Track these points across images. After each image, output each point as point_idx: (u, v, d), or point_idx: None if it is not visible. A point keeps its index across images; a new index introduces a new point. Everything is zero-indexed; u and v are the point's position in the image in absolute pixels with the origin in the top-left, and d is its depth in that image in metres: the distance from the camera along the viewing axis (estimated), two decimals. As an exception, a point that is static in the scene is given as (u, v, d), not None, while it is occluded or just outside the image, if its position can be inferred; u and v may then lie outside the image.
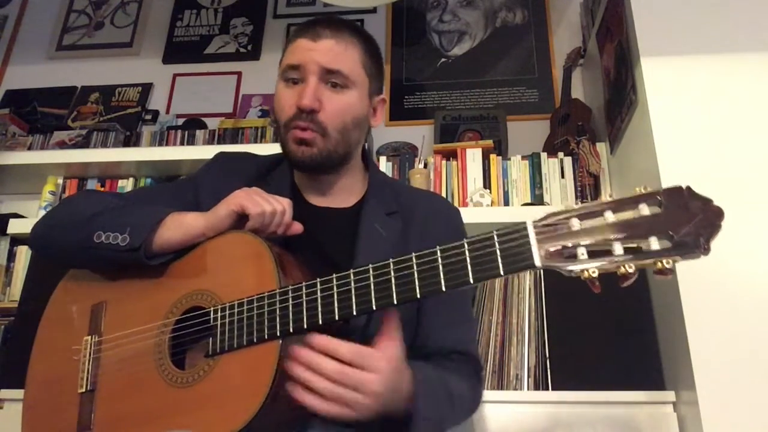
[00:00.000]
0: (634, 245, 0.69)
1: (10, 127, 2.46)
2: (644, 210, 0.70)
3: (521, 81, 2.41)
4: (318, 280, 0.86)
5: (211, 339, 0.91)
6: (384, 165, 2.07)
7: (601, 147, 2.02)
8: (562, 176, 2.00)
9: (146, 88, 2.61)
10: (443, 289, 0.78)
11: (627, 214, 0.70)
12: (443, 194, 2.00)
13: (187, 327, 0.95)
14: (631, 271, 0.68)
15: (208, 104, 2.55)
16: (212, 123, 2.42)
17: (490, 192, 1.96)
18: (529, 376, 1.50)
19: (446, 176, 2.04)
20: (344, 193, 1.14)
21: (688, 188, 0.69)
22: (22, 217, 2.12)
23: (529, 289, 1.58)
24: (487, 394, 1.45)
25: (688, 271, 1.37)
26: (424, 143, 2.20)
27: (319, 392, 0.81)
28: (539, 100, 2.37)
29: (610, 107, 1.96)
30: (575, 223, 0.72)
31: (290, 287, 0.87)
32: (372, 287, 0.82)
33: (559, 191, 1.98)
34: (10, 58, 2.77)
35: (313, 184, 1.13)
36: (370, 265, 0.83)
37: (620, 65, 1.82)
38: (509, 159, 2.05)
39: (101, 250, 0.98)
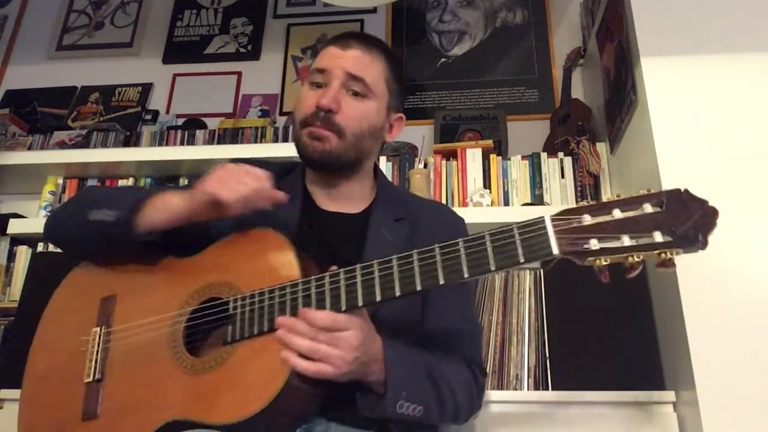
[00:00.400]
0: (640, 238, 0.76)
1: (10, 127, 2.46)
2: (648, 208, 0.78)
3: (521, 81, 2.41)
4: (342, 269, 0.88)
5: (230, 327, 0.92)
6: (384, 165, 2.07)
7: (601, 147, 2.02)
8: (562, 176, 2.00)
9: (146, 88, 2.61)
10: (465, 275, 0.82)
11: (633, 212, 0.78)
12: (443, 194, 2.01)
13: (204, 316, 0.96)
14: (638, 260, 0.76)
15: (208, 104, 2.55)
16: (212, 123, 2.42)
17: (490, 192, 1.96)
18: (529, 376, 1.50)
19: (446, 176, 2.04)
20: (354, 199, 1.17)
21: (686, 191, 0.78)
22: (22, 217, 2.12)
23: (529, 289, 1.58)
24: (487, 394, 1.45)
25: (687, 271, 1.37)
26: (424, 143, 2.20)
27: (299, 351, 0.84)
28: (539, 100, 2.37)
29: (610, 107, 1.96)
30: (587, 218, 0.80)
31: (313, 277, 0.89)
32: (396, 275, 0.85)
33: (559, 191, 1.98)
34: (10, 58, 2.77)
35: (325, 190, 1.17)
36: (394, 256, 0.86)
37: (620, 65, 1.82)
38: (509, 159, 2.05)
39: (93, 228, 1.02)
